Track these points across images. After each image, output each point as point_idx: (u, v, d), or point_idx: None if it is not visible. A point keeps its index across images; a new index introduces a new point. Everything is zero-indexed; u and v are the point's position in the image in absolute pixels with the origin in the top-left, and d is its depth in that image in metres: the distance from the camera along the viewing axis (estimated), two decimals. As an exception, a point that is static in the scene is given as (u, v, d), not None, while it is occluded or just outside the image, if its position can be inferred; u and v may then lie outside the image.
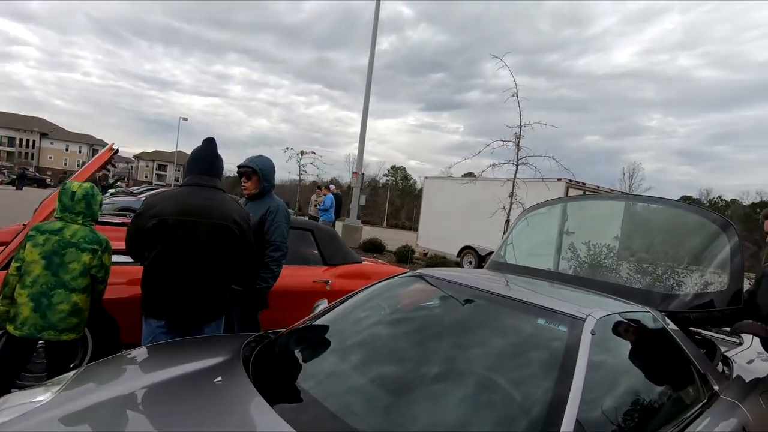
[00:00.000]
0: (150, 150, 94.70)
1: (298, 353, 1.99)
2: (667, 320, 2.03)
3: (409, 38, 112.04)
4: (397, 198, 72.50)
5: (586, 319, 1.67)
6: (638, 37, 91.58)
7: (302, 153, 16.83)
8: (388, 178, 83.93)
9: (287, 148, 17.19)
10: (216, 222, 2.26)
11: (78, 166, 70.97)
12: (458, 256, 11.88)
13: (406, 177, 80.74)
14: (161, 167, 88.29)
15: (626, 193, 9.92)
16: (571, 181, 9.57)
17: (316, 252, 4.32)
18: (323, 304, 2.44)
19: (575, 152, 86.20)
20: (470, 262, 11.45)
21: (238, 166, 2.96)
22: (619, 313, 1.84)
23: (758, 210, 48.47)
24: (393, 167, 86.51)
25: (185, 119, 50.39)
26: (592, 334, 1.60)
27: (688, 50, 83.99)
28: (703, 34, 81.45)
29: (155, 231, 2.20)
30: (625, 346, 1.79)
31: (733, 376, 2.14)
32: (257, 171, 2.90)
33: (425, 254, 13.23)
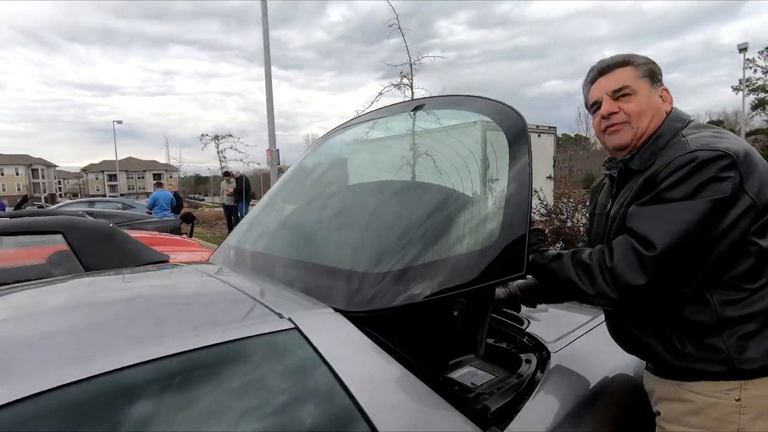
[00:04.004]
0: (97, 161, 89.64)
1: None
2: (341, 333, 0.93)
3: (360, 6, 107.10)
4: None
5: None
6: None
7: (217, 138, 15.30)
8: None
9: (202, 135, 15.62)
10: None
11: (18, 189, 66.25)
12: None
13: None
14: (111, 177, 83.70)
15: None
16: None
17: (74, 261, 3.10)
18: None
19: (537, 100, 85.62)
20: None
21: None
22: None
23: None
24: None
25: (119, 122, 47.13)
26: None
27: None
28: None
29: None
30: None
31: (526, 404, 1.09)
32: None
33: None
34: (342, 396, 0.84)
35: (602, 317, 1.39)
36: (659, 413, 1.15)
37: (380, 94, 6.85)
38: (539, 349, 1.43)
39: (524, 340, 1.50)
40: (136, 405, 0.71)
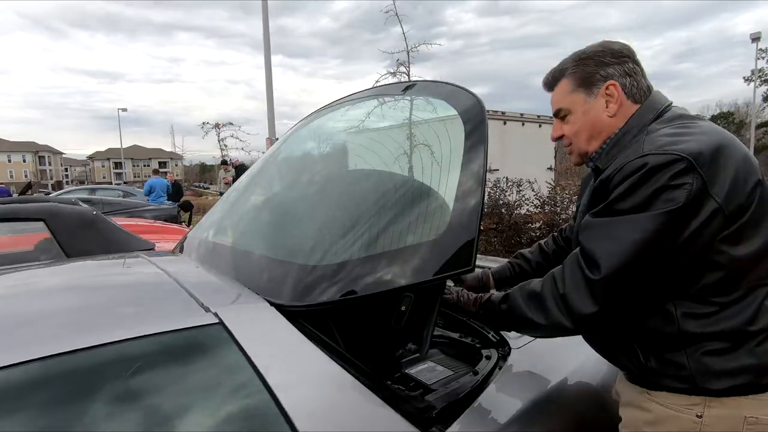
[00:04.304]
0: (103, 149, 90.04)
1: None
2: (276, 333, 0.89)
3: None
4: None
5: None
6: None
7: (218, 126, 15.26)
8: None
9: (203, 124, 15.59)
10: None
11: (25, 176, 66.76)
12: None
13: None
14: (117, 165, 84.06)
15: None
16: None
17: (56, 249, 3.09)
18: None
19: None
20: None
21: None
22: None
23: (717, 122, 47.98)
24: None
25: (124, 110, 47.04)
26: None
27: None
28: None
29: None
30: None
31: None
32: None
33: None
34: (264, 397, 0.80)
35: None
36: (621, 418, 1.10)
37: (376, 82, 6.76)
38: (502, 344, 1.39)
39: (489, 335, 1.46)
40: (20, 407, 0.67)
